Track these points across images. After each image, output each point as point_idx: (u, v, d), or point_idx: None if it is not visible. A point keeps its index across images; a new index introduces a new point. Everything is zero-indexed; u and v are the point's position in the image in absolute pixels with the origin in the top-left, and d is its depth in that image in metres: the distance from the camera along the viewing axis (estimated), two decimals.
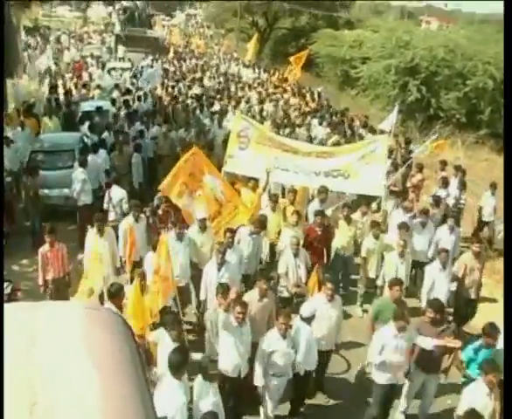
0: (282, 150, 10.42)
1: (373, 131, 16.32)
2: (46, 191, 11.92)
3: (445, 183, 12.33)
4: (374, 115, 22.00)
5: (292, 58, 26.25)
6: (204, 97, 20.58)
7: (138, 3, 42.67)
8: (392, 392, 7.00)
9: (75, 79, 22.56)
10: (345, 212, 9.94)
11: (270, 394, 6.76)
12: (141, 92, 19.74)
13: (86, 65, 26.56)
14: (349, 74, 31.27)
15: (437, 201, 11.31)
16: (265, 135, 10.82)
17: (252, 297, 7.18)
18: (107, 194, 10.77)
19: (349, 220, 9.94)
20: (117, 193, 10.69)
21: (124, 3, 41.50)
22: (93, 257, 8.15)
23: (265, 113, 18.75)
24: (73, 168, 11.75)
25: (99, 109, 15.94)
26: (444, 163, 13.69)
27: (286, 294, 8.64)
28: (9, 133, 13.59)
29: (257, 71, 31.09)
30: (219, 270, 7.85)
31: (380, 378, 6.81)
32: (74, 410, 2.49)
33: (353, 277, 10.49)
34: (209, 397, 5.57)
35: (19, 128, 14.21)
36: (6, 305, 5.83)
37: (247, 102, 20.40)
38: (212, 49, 40.52)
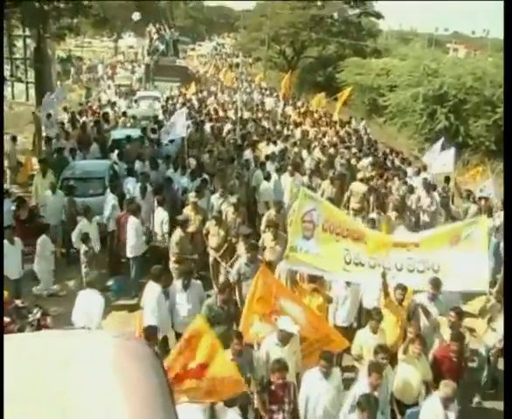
0: (352, 239, 8.02)
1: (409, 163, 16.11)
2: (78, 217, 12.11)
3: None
4: (402, 144, 21.95)
5: (337, 110, 25.76)
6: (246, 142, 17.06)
7: (167, 32, 43.68)
8: None
9: (101, 113, 22.23)
10: (453, 318, 7.48)
11: None
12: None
13: (97, 108, 24.84)
14: (376, 102, 31.34)
15: None
16: (334, 218, 8.12)
17: None
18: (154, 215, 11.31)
19: None
20: (160, 215, 10.95)
21: (153, 32, 42.48)
22: None
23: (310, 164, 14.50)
24: (104, 195, 11.95)
25: (129, 138, 16.20)
26: (469, 192, 13.52)
27: None
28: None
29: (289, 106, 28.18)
30: None
31: None
32: None
33: None
34: None
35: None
36: (39, 333, 5.94)
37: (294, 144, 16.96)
38: (244, 80, 38.83)
